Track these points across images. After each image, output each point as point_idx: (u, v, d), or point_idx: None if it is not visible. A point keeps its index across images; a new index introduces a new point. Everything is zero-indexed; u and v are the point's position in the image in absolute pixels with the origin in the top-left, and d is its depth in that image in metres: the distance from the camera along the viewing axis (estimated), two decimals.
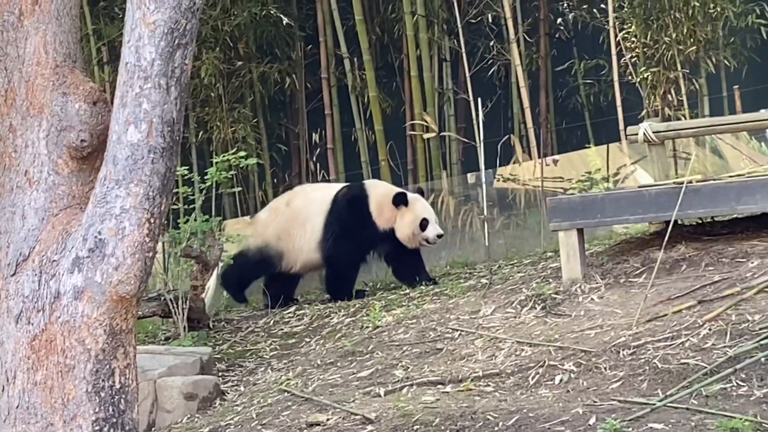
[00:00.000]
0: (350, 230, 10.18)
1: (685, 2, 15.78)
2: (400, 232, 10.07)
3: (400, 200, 10.08)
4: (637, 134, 9.87)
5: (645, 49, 16.01)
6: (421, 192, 10.93)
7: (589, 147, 15.10)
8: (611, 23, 15.99)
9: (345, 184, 11.15)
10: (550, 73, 17.46)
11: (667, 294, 7.18)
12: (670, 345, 6.30)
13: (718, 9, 15.84)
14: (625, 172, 15.07)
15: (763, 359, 5.71)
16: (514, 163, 14.16)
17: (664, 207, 7.91)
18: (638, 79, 15.77)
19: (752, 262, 7.36)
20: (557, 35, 17.72)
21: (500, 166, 13.42)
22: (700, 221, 8.96)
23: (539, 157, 14.07)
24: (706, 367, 5.83)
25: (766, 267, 7.17)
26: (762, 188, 7.68)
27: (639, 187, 8.43)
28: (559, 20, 17.79)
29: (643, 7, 15.88)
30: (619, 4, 16.21)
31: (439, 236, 10.12)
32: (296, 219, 10.50)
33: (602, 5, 16.60)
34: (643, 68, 15.90)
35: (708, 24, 15.97)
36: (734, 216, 8.69)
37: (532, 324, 7.47)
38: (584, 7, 17.18)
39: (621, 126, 15.22)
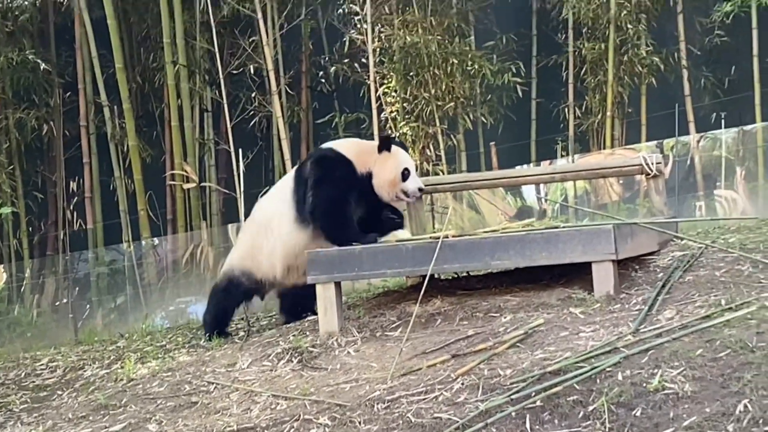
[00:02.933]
0: (326, 177, 9.00)
1: (444, 59, 16.20)
2: (379, 179, 8.97)
3: (384, 145, 9.08)
4: None
5: (405, 104, 16.32)
6: (400, 143, 9.85)
7: None
8: (372, 78, 16.24)
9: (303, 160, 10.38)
10: (311, 125, 17.62)
11: (422, 348, 7.20)
12: (424, 399, 6.29)
13: (476, 67, 16.33)
14: None
15: (513, 413, 5.77)
16: None
17: (420, 261, 7.96)
18: (398, 134, 16.04)
19: (505, 317, 7.47)
20: (319, 88, 17.88)
21: None
22: (456, 276, 9.09)
23: None
24: (458, 421, 5.84)
25: (518, 322, 7.29)
26: (515, 244, 7.84)
27: (397, 241, 8.46)
28: (321, 73, 17.96)
29: (403, 63, 16.19)
30: (379, 59, 16.48)
31: (420, 190, 9.13)
32: (261, 225, 9.39)
33: (363, 60, 16.84)
34: (403, 123, 16.20)
35: (466, 81, 16.46)
36: (489, 271, 8.86)
37: (288, 377, 7.37)
38: (345, 61, 17.41)
39: None
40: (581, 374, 5.99)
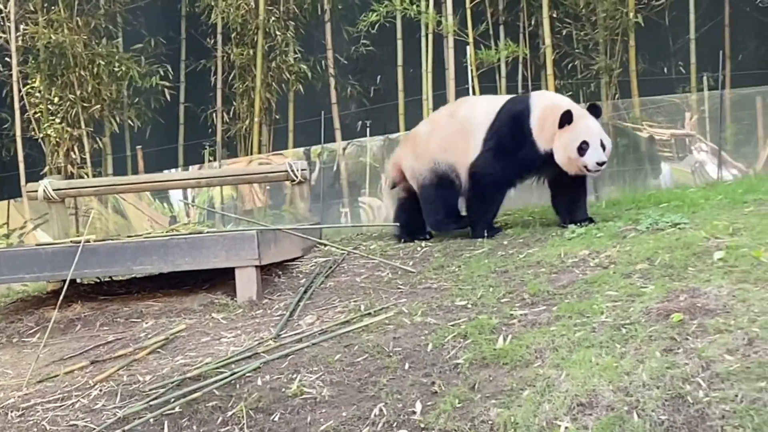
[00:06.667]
0: (504, 148, 8.60)
1: (91, 61, 15.81)
2: (557, 155, 8.46)
3: (563, 121, 8.43)
4: (37, 191, 9.60)
5: (49, 106, 15.81)
6: (595, 108, 8.84)
7: None
8: (15, 77, 15.63)
9: (512, 96, 9.54)
10: None
11: (61, 354, 7.00)
12: (60, 406, 6.11)
13: (124, 69, 16.03)
14: (26, 229, 14.72)
15: (152, 420, 5.69)
16: None
17: (61, 265, 7.73)
18: (41, 135, 15.53)
19: (146, 322, 7.38)
20: None
21: None
22: (99, 280, 8.88)
23: None
24: (94, 429, 5.71)
25: (160, 327, 7.22)
26: (158, 249, 7.75)
27: (37, 245, 8.17)
28: None
29: (48, 63, 15.68)
30: (24, 57, 15.90)
31: (600, 164, 8.42)
32: (462, 130, 8.86)
33: (7, 58, 16.19)
34: (47, 124, 15.68)
35: (113, 83, 16.11)
36: (132, 276, 8.71)
37: None
38: None
39: (23, 182, 14.89)
40: (221, 380, 5.98)
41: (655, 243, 7.22)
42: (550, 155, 8.50)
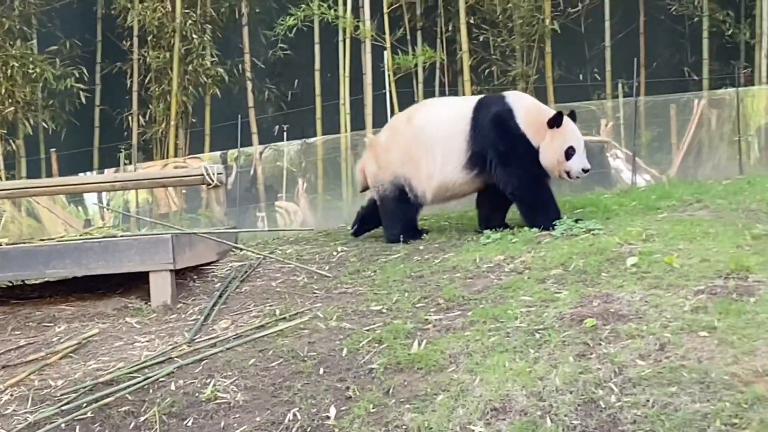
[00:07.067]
0: (513, 152, 8.52)
1: (4, 62, 15.58)
2: (545, 155, 8.46)
3: (555, 122, 8.46)
4: None
5: None
6: (573, 116, 8.85)
7: None
8: None
9: (479, 97, 9.30)
10: None
11: None
12: None
13: (38, 71, 15.81)
14: None
15: (63, 425, 5.63)
16: None
17: None
18: None
19: (59, 327, 7.29)
20: None
21: None
22: (11, 284, 8.74)
23: None
24: None
25: (73, 332, 7.14)
26: (72, 252, 7.66)
27: None
28: None
29: None
30: None
31: (585, 171, 8.53)
32: (419, 141, 8.78)
33: None
34: None
35: (27, 85, 15.89)
36: (45, 279, 8.59)
37: None
38: None
39: None
40: (134, 385, 5.94)
41: (570, 249, 7.30)
42: (536, 153, 8.53)
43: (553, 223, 8.23)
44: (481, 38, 15.73)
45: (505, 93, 9.20)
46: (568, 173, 8.53)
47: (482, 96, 9.29)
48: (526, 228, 8.36)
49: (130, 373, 6.13)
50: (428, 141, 8.76)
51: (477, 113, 8.71)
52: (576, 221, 8.14)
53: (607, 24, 15.70)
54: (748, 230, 7.38)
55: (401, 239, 8.71)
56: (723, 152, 13.66)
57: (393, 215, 8.92)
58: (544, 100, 15.28)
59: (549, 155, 8.46)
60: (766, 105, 13.61)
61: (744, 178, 10.88)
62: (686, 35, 16.04)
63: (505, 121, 8.57)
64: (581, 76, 16.34)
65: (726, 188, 9.73)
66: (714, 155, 13.73)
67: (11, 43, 16.01)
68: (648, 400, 5.01)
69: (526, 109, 8.65)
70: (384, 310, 6.71)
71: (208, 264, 8.50)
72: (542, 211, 8.44)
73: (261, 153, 15.40)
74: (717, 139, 13.78)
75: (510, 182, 8.51)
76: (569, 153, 8.47)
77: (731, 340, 5.36)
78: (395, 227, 8.87)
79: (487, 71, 15.79)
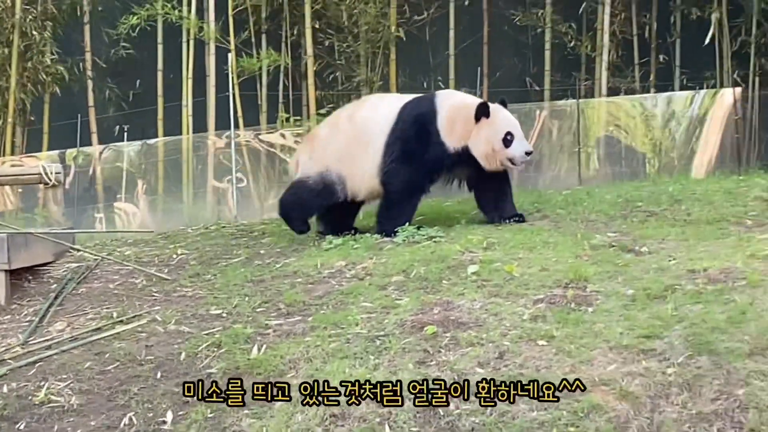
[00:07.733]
0: (411, 152, 8.38)
1: None
2: (477, 150, 8.32)
3: (481, 113, 8.29)
4: None
5: None
6: (503, 103, 8.67)
7: None
8: None
9: (415, 96, 9.03)
10: None
11: None
12: None
13: None
14: None
15: None
16: None
17: None
18: None
19: None
20: None
21: None
22: None
23: None
24: None
25: None
26: None
27: None
28: None
29: None
30: None
31: (528, 153, 8.39)
32: (359, 138, 8.59)
33: None
34: None
35: None
36: None
37: None
38: None
39: None
40: None
41: (411, 255, 7.37)
42: (461, 154, 8.47)
43: (395, 230, 8.29)
44: (326, 43, 15.75)
45: (437, 93, 9.36)
46: (511, 160, 8.50)
47: (416, 96, 9.21)
48: (368, 234, 8.41)
49: None
50: (368, 136, 8.74)
51: (401, 113, 8.73)
52: (418, 228, 8.23)
53: (452, 33, 15.88)
54: (587, 240, 7.56)
55: (294, 227, 8.95)
56: (563, 163, 13.94)
57: (299, 203, 8.97)
58: None
59: (481, 148, 8.42)
60: (605, 117, 13.95)
61: (583, 189, 11.13)
62: (529, 46, 16.33)
63: (424, 125, 8.56)
64: (425, 84, 16.47)
65: (566, 198, 9.94)
66: (554, 165, 14.00)
67: None
68: (486, 408, 5.07)
69: (449, 111, 8.60)
70: (224, 314, 6.68)
71: (44, 265, 8.31)
72: (395, 216, 8.49)
73: (100, 153, 15.12)
74: (557, 149, 14.06)
75: (393, 177, 8.52)
76: (507, 140, 8.44)
77: (569, 349, 5.47)
78: (295, 211, 8.98)
79: (331, 76, 15.82)
